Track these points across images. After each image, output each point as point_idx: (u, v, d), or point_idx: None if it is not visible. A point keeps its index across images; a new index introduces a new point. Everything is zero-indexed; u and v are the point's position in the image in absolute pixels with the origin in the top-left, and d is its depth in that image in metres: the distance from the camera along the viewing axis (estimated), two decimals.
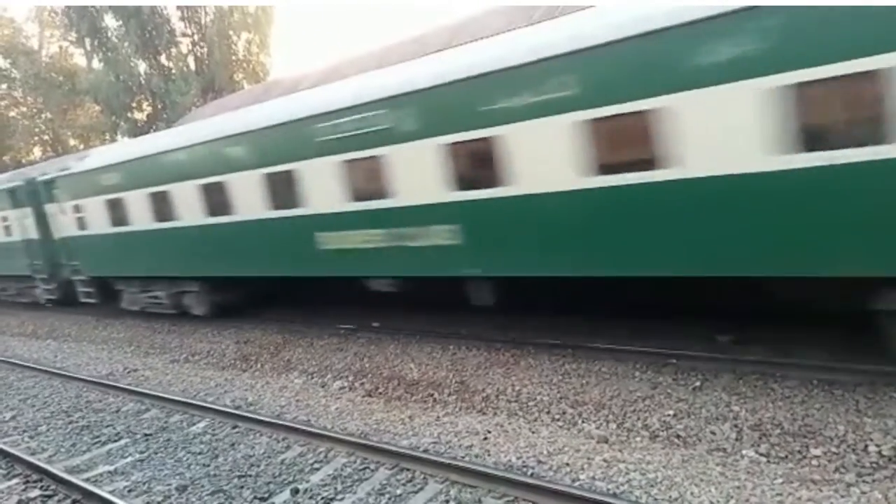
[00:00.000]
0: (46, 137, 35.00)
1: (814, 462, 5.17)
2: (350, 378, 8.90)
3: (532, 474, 5.51)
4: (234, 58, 30.82)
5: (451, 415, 7.19)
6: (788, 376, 6.55)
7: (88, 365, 11.84)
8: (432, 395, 7.83)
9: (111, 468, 6.99)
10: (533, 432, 6.42)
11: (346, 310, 11.92)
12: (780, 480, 4.95)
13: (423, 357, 9.10)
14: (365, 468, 6.09)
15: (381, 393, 8.22)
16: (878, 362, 6.25)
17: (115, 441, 7.80)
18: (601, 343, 8.23)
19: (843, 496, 4.64)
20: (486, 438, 6.40)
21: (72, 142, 34.35)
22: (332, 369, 9.39)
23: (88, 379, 10.55)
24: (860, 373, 6.30)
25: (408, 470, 5.88)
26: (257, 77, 31.07)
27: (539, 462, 5.74)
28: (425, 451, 6.21)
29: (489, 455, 6.01)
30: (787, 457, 5.30)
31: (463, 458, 5.97)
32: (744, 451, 5.47)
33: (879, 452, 5.11)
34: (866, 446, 5.22)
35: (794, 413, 5.90)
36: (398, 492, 5.56)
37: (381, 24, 55.82)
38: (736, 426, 5.87)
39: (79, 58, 33.16)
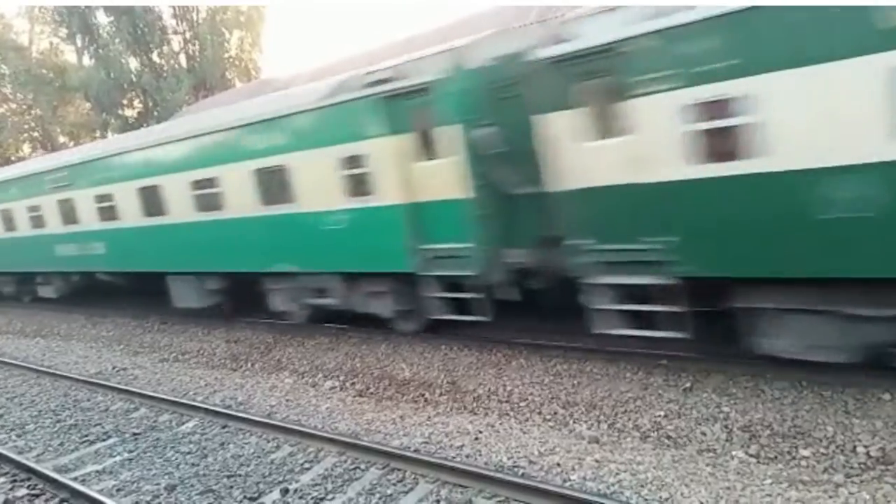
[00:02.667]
0: (36, 134, 34.69)
1: (803, 463, 5.21)
2: (341, 378, 8.87)
3: (523, 474, 5.51)
4: (226, 55, 30.70)
5: (443, 415, 7.18)
6: (779, 378, 6.59)
7: (77, 363, 11.74)
8: (423, 395, 7.82)
9: (99, 467, 6.94)
10: (524, 432, 6.42)
11: None
12: (769, 481, 4.98)
13: (415, 357, 9.08)
14: (355, 468, 6.07)
15: (372, 393, 8.20)
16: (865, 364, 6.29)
17: (104, 440, 7.73)
18: (592, 344, 8.24)
19: (831, 497, 4.67)
20: (477, 438, 6.40)
21: (61, 139, 34.06)
22: (323, 369, 9.35)
23: (77, 377, 10.47)
24: (849, 374, 6.34)
25: (398, 470, 5.87)
26: (249, 75, 31.01)
27: (530, 462, 5.74)
28: (416, 451, 6.20)
29: (480, 455, 6.01)
30: (776, 457, 5.34)
31: (454, 458, 5.97)
32: (734, 452, 5.49)
33: (867, 453, 5.15)
34: (855, 447, 5.26)
35: (784, 414, 5.93)
36: (389, 492, 5.55)
37: (374, 24, 55.86)
38: (726, 427, 5.90)
39: (69, 54, 32.87)
